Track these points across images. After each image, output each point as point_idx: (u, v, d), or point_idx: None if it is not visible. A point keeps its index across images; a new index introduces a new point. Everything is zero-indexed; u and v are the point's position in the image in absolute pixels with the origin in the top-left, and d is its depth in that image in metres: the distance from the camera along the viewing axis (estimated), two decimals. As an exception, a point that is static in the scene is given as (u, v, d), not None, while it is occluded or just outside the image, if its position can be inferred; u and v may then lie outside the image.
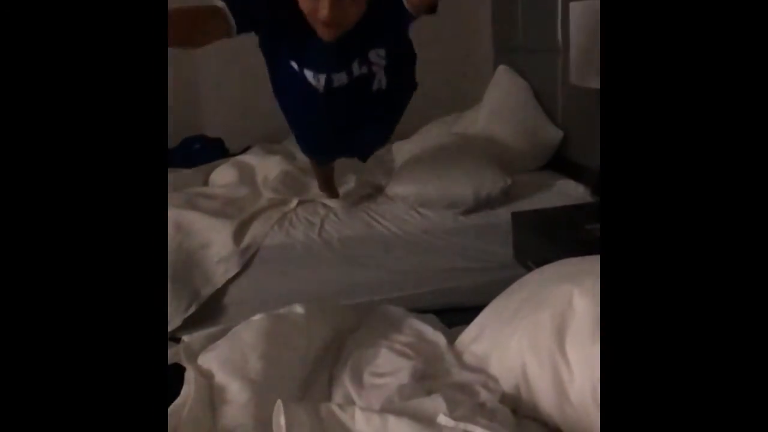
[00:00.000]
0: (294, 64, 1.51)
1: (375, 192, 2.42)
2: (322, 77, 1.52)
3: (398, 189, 2.27)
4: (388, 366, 1.16)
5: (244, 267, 2.12)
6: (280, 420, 0.95)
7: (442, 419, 0.94)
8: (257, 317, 1.29)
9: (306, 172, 2.52)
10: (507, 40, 3.11)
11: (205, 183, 2.62)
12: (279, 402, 0.98)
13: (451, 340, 1.27)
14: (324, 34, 1.28)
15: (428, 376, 1.13)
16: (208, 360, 1.18)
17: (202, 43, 1.38)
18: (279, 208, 2.29)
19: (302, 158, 2.73)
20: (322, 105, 1.55)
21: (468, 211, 2.23)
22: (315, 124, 1.69)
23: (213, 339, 1.30)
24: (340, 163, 2.84)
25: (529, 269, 1.96)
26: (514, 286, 1.30)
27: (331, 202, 2.32)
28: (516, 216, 2.11)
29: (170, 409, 1.05)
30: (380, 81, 1.57)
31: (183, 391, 1.07)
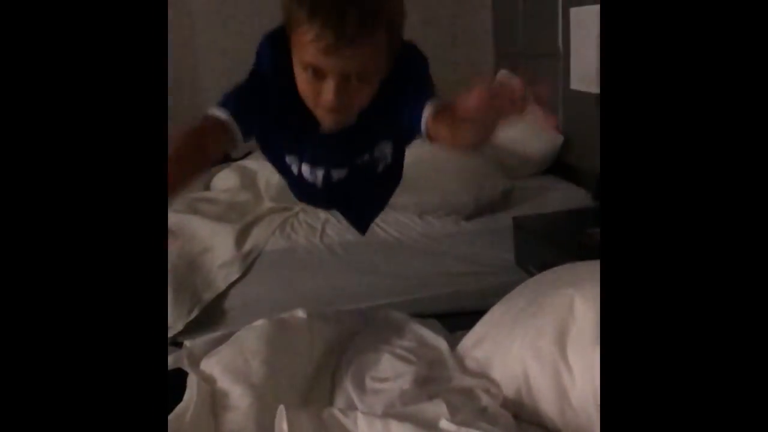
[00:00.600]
0: (289, 159, 1.31)
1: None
2: (320, 172, 1.32)
3: (399, 198, 2.27)
4: (390, 371, 1.16)
5: (246, 272, 2.13)
6: (282, 425, 0.95)
7: (444, 424, 0.94)
8: (259, 322, 1.30)
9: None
10: (508, 44, 3.12)
11: (207, 188, 2.63)
12: (281, 407, 0.98)
13: (453, 344, 1.28)
14: (326, 121, 1.08)
15: (430, 381, 1.13)
16: (211, 365, 1.18)
17: (205, 168, 1.14)
18: (281, 212, 2.30)
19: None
20: (319, 196, 1.36)
21: (470, 216, 2.24)
22: (312, 203, 1.57)
23: (215, 344, 1.31)
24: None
25: (530, 274, 1.96)
26: (516, 291, 1.30)
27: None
28: (517, 221, 2.11)
29: (173, 414, 1.05)
30: (386, 161, 1.36)
31: (185, 396, 1.07)
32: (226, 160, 3.10)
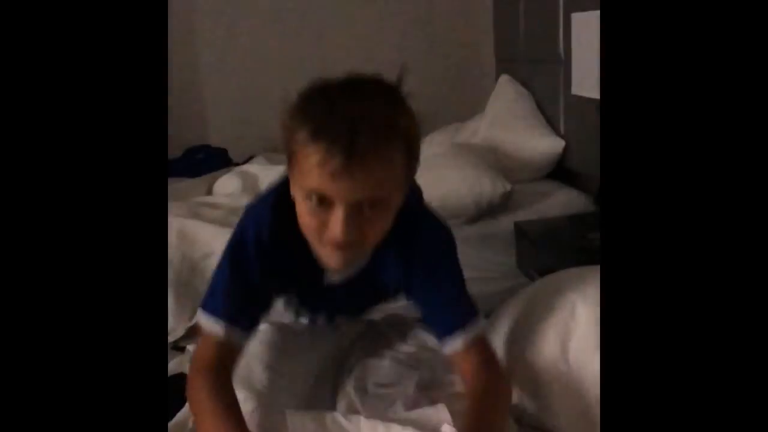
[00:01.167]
0: (288, 309, 1.21)
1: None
2: (321, 318, 1.25)
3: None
4: (393, 376, 1.16)
5: (248, 276, 2.12)
6: (286, 430, 0.95)
7: (447, 429, 0.95)
8: (262, 327, 1.30)
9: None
10: (509, 50, 3.13)
11: (209, 192, 2.63)
12: (286, 412, 0.98)
13: None
14: (333, 260, 0.90)
15: (433, 386, 1.13)
16: None
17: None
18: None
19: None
20: (320, 329, 1.29)
21: (470, 220, 2.24)
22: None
23: None
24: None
25: (532, 278, 1.96)
26: (517, 295, 1.30)
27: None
28: (519, 225, 2.11)
29: (174, 420, 1.05)
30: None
31: (187, 402, 1.08)
32: (228, 164, 3.11)
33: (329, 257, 0.90)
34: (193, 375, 0.97)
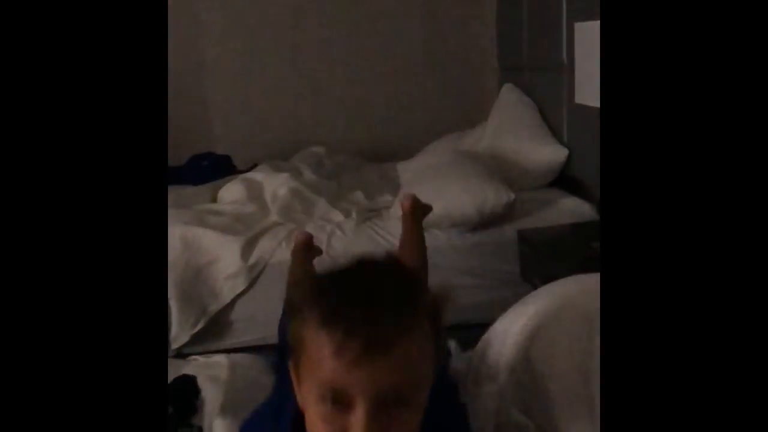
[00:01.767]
0: None
1: (381, 209, 2.43)
2: None
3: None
4: None
5: (252, 283, 2.14)
6: None
7: None
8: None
9: (314, 190, 2.54)
10: (512, 58, 3.14)
11: (214, 200, 2.64)
12: None
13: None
14: None
15: None
16: None
17: None
18: (286, 225, 2.31)
19: (310, 176, 2.76)
20: None
21: (474, 229, 2.24)
22: None
23: None
24: (347, 180, 2.86)
25: (535, 287, 1.96)
26: (518, 303, 1.31)
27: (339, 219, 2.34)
28: (522, 233, 2.12)
29: None
30: None
31: None
32: (233, 171, 3.13)
33: None
34: None
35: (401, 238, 1.75)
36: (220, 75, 3.45)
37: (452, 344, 1.40)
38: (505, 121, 2.77)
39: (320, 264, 1.76)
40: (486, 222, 2.23)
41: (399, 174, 2.79)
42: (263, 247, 2.19)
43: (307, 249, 1.71)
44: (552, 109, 2.63)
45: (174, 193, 2.58)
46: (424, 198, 2.27)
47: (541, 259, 1.98)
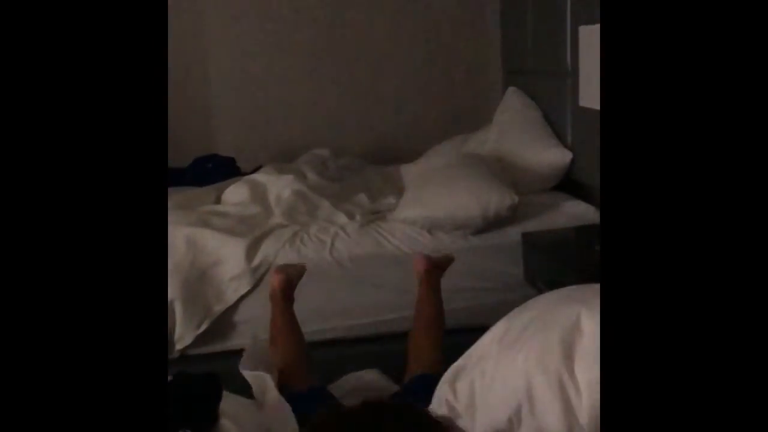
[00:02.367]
0: None
1: (385, 211, 2.43)
2: None
3: (406, 213, 2.29)
4: None
5: (256, 285, 2.14)
6: None
7: None
8: None
9: (317, 192, 2.55)
10: (517, 62, 3.14)
11: (218, 201, 2.65)
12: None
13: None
14: None
15: None
16: None
17: None
18: (290, 226, 2.31)
19: (314, 178, 2.76)
20: None
21: (478, 231, 2.24)
22: None
23: None
24: (351, 182, 2.86)
25: (539, 289, 1.97)
26: (519, 308, 1.29)
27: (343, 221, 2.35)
28: (526, 236, 2.12)
29: None
30: None
31: None
32: (236, 173, 3.13)
33: None
34: None
35: (418, 295, 1.76)
36: (225, 77, 3.46)
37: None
38: (509, 124, 2.77)
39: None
40: (490, 225, 2.23)
41: (403, 176, 2.80)
42: (267, 248, 2.19)
43: (284, 292, 1.72)
44: (556, 113, 2.63)
45: (178, 195, 2.59)
46: (429, 200, 2.28)
47: (545, 263, 1.98)
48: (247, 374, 1.35)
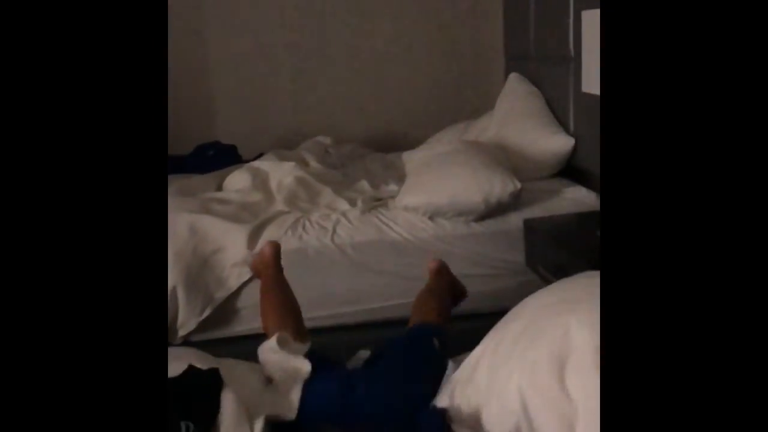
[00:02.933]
0: None
1: (387, 198, 2.43)
2: None
3: (408, 200, 2.29)
4: None
5: (258, 272, 2.14)
6: None
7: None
8: None
9: (319, 179, 2.54)
10: (519, 48, 3.13)
11: (219, 188, 2.65)
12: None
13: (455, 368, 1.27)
14: None
15: None
16: None
17: None
18: (292, 213, 2.31)
19: (315, 165, 2.76)
20: None
21: (480, 218, 2.24)
22: None
23: None
24: (352, 169, 2.86)
25: (541, 276, 1.97)
26: (510, 315, 1.28)
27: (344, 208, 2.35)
28: (528, 223, 2.12)
29: None
30: None
31: None
32: (238, 160, 3.13)
33: None
34: None
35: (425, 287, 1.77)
36: (226, 64, 3.45)
37: (450, 364, 1.37)
38: (511, 111, 2.77)
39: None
40: (492, 211, 2.23)
41: (404, 163, 2.79)
42: (269, 235, 2.19)
43: (278, 260, 1.79)
44: (558, 99, 2.62)
45: (179, 182, 2.59)
46: (430, 187, 2.28)
47: (547, 249, 1.98)
48: (281, 356, 1.34)
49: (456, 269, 2.19)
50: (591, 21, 2.19)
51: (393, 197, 2.40)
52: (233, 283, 2.14)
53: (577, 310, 1.05)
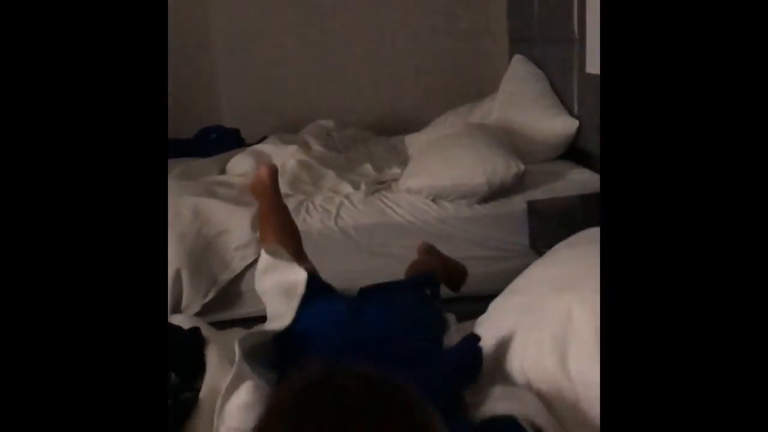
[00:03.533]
0: None
1: (390, 181, 2.43)
2: None
3: (411, 182, 2.28)
4: None
5: (261, 254, 2.15)
6: None
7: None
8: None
9: (322, 163, 2.54)
10: (523, 30, 3.10)
11: (222, 172, 2.65)
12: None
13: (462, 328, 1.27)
14: None
15: None
16: None
17: None
18: (295, 196, 2.32)
19: (318, 148, 2.75)
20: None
21: (483, 200, 2.24)
22: None
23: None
24: (355, 152, 2.86)
25: (544, 257, 1.97)
26: (507, 291, 1.28)
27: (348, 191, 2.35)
28: (532, 204, 2.12)
29: None
30: None
31: None
32: (241, 144, 3.13)
33: None
34: None
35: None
36: (229, 48, 3.43)
37: (451, 317, 1.39)
38: (515, 93, 2.75)
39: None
40: (496, 193, 2.23)
41: (407, 146, 2.79)
42: (273, 218, 2.19)
43: (274, 179, 1.78)
44: (562, 81, 2.61)
45: (182, 166, 2.59)
46: (433, 169, 2.27)
47: (551, 231, 1.98)
48: (276, 274, 1.33)
49: (459, 251, 2.20)
50: (595, 2, 2.17)
51: (396, 180, 2.40)
52: (237, 266, 2.14)
53: (578, 287, 1.05)
